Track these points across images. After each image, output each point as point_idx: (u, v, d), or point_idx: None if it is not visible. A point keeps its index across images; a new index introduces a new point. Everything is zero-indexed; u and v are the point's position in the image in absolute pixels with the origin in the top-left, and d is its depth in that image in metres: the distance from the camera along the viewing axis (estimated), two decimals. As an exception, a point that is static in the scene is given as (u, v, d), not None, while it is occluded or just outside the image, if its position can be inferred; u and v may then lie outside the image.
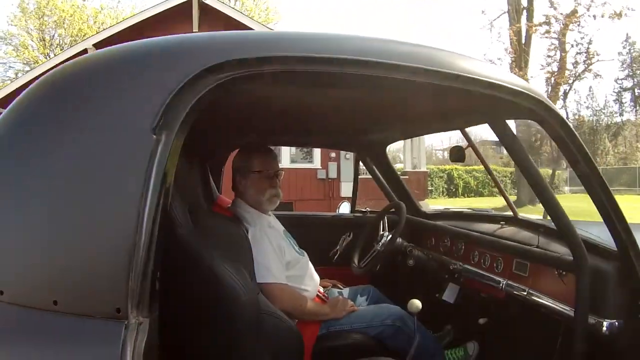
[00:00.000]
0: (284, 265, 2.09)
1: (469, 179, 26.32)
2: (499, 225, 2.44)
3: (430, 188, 22.42)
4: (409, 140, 15.32)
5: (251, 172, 2.18)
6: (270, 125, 2.46)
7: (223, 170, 3.15)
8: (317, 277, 2.31)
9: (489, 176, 18.69)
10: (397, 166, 21.69)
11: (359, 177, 3.52)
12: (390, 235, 2.57)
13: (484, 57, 16.81)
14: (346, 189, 12.19)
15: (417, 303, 2.08)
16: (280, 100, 1.74)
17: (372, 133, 2.77)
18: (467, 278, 2.42)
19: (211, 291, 1.44)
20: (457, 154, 2.36)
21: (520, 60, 17.97)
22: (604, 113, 35.28)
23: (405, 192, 3.16)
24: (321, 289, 2.33)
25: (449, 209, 3.15)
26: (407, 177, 14.01)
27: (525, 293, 2.00)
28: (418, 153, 15.56)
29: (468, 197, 25.62)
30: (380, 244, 2.59)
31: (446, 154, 33.86)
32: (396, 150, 23.21)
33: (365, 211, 3.37)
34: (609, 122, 34.56)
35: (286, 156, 12.91)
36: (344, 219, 3.38)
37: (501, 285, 2.15)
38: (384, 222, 2.75)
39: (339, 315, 2.13)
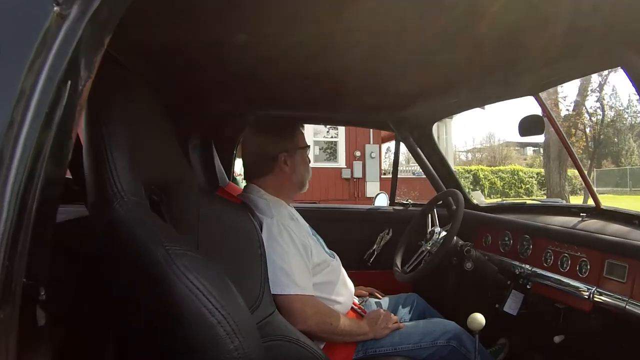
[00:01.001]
0: (310, 271, 1.66)
1: (495, 180, 25.64)
2: (579, 219, 1.95)
3: (455, 189, 21.82)
4: (435, 139, 14.84)
5: (298, 149, 1.82)
6: (287, 94, 2.08)
7: (235, 153, 2.70)
8: (351, 285, 1.89)
9: (514, 177, 18.09)
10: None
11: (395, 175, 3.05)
12: (444, 232, 2.12)
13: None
14: (372, 189, 11.96)
15: (479, 319, 1.67)
16: (298, 58, 1.42)
17: (421, 101, 2.29)
18: (537, 284, 1.97)
19: (158, 319, 0.86)
20: (533, 124, 1.91)
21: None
22: (627, 112, 34.13)
23: (455, 181, 2.70)
24: (356, 300, 1.92)
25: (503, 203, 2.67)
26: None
27: (624, 304, 1.56)
28: (445, 152, 14.98)
29: (494, 198, 24.93)
30: (431, 242, 2.13)
31: (470, 156, 33.19)
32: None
33: (407, 204, 2.88)
34: (633, 122, 33.38)
35: (309, 155, 12.53)
36: (381, 212, 2.88)
37: (589, 293, 1.69)
38: (434, 216, 2.29)
39: (381, 335, 1.73)
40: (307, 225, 1.84)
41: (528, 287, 2.02)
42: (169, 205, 1.14)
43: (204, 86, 1.98)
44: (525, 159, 28.70)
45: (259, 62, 1.61)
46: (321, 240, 1.86)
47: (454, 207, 2.20)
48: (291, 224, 1.67)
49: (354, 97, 2.23)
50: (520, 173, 24.90)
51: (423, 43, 1.42)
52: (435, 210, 2.29)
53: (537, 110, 2.11)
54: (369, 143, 12.78)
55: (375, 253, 2.50)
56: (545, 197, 18.35)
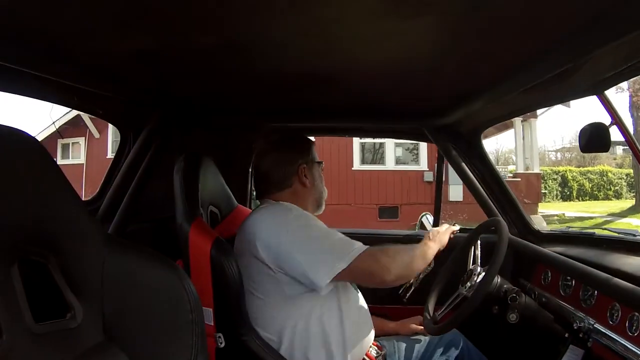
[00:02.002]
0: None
1: (583, 181, 24.01)
2: None
3: (543, 191, 20.64)
4: (520, 139, 14.17)
5: (315, 162, 1.75)
6: (305, 103, 1.91)
7: (251, 172, 2.40)
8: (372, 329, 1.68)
9: (604, 178, 16.59)
10: (510, 168, 20.24)
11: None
12: (484, 272, 1.76)
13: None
14: (455, 192, 11.66)
15: None
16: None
17: (462, 106, 1.94)
18: (598, 343, 1.60)
19: None
20: (595, 136, 1.58)
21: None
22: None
23: (511, 202, 2.29)
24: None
25: (564, 214, 2.26)
26: (519, 179, 12.96)
27: None
28: (530, 153, 14.31)
29: (583, 200, 23.55)
30: (468, 285, 1.77)
31: (559, 155, 31.25)
32: (509, 151, 21.74)
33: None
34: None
35: (391, 157, 12.52)
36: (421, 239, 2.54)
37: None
38: (476, 250, 1.90)
39: (445, 240, 1.77)
40: None
41: (589, 344, 1.64)
42: (66, 267, 0.88)
43: (207, 96, 1.81)
44: (615, 159, 26.72)
45: (268, 68, 1.46)
46: None
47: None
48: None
49: (381, 103, 1.96)
50: (610, 174, 23.60)
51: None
52: (479, 242, 1.91)
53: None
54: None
55: (413, 287, 2.10)
56: (634, 201, 16.73)
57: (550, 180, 23.48)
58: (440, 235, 1.74)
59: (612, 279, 1.56)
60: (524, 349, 1.86)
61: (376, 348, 1.70)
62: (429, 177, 12.11)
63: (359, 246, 1.49)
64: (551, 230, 2.32)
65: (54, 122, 12.21)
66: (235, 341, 1.49)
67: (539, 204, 14.14)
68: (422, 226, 2.61)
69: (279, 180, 1.67)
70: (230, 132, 2.24)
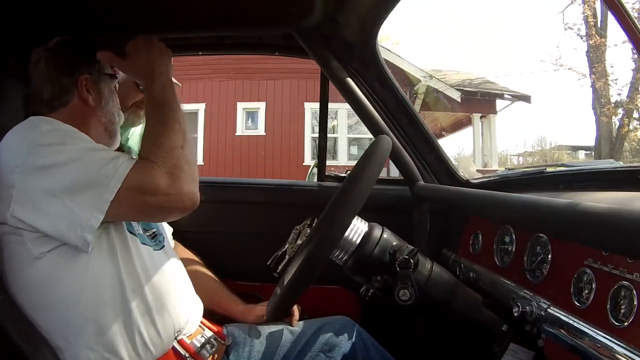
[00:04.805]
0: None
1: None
2: None
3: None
4: (479, 137, 13.88)
5: (104, 75, 1.28)
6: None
7: None
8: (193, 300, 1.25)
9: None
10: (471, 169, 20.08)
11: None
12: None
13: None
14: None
15: None
16: None
17: None
18: (554, 339, 0.94)
19: None
20: None
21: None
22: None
23: (427, 141, 1.67)
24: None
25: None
26: (476, 177, 12.83)
27: None
28: (489, 150, 14.01)
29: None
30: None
31: (522, 159, 31.62)
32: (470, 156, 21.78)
33: (344, 177, 1.83)
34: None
35: (343, 153, 12.15)
36: (300, 191, 1.92)
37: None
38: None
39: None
40: None
41: (540, 342, 1.00)
42: None
43: None
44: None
45: None
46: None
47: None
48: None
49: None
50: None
51: None
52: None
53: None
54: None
55: (287, 257, 1.46)
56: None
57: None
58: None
59: (584, 208, 0.80)
60: (435, 347, 1.18)
61: (215, 336, 1.25)
62: (384, 173, 11.64)
63: (123, 159, 1.04)
64: (485, 177, 1.64)
65: None
66: None
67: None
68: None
69: (52, 96, 1.19)
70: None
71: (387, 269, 1.03)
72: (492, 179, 1.60)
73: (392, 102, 1.65)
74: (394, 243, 1.05)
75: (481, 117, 13.96)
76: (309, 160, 12.27)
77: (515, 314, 1.01)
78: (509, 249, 1.20)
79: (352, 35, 1.55)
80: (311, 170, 1.98)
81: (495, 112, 14.09)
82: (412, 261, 1.00)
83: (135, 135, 2.00)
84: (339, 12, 1.44)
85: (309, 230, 1.59)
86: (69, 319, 1.01)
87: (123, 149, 1.89)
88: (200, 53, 1.97)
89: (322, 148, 1.93)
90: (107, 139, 1.25)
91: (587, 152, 30.77)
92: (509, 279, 1.14)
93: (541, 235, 1.07)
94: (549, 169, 1.38)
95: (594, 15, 14.14)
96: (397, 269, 1.00)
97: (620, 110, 13.96)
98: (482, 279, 1.25)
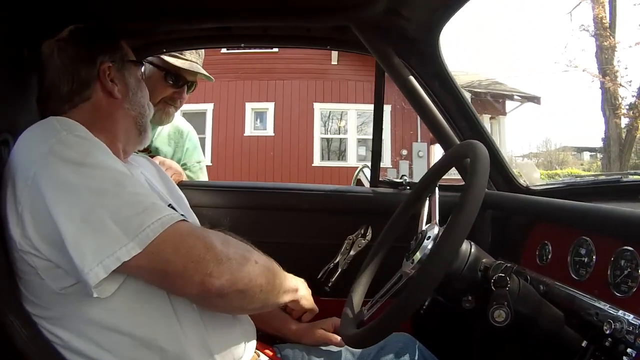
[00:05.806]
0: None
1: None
2: None
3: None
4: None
5: (129, 62, 1.16)
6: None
7: None
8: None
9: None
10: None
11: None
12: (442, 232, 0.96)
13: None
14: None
15: None
16: None
17: None
18: None
19: None
20: None
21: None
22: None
23: (486, 141, 1.50)
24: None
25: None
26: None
27: None
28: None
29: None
30: (415, 258, 0.98)
31: (527, 160, 31.71)
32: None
33: (401, 182, 1.71)
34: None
35: (352, 154, 12.29)
36: (354, 198, 1.77)
37: None
38: (432, 204, 1.14)
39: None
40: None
41: (625, 359, 0.92)
42: None
43: None
44: (582, 164, 27.28)
45: None
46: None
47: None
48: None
49: None
50: (578, 179, 23.93)
51: None
52: (437, 192, 1.15)
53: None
54: (417, 141, 11.91)
55: (340, 269, 1.38)
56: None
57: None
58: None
59: None
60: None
61: (265, 357, 1.11)
62: (393, 174, 11.57)
63: (168, 214, 0.87)
64: (547, 185, 1.56)
65: None
66: None
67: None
68: (359, 182, 1.87)
69: (70, 90, 1.05)
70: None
71: (477, 288, 0.95)
72: (557, 186, 1.52)
73: (451, 102, 1.56)
74: (484, 260, 0.97)
75: (490, 119, 13.91)
76: (318, 161, 12.22)
77: (607, 332, 0.94)
78: (585, 260, 1.13)
79: (415, 29, 1.46)
80: (357, 175, 1.90)
81: (504, 114, 14.05)
82: (508, 279, 0.92)
83: (162, 135, 1.88)
84: (405, 3, 1.35)
85: (362, 241, 1.53)
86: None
87: (149, 149, 1.80)
88: (242, 45, 1.87)
89: (377, 151, 1.81)
90: (136, 136, 1.13)
91: (592, 153, 30.78)
92: (589, 293, 1.08)
93: (628, 248, 1.00)
94: (626, 178, 1.30)
95: (604, 16, 14.05)
96: (493, 288, 0.92)
97: (632, 112, 13.86)
98: (556, 292, 1.17)
